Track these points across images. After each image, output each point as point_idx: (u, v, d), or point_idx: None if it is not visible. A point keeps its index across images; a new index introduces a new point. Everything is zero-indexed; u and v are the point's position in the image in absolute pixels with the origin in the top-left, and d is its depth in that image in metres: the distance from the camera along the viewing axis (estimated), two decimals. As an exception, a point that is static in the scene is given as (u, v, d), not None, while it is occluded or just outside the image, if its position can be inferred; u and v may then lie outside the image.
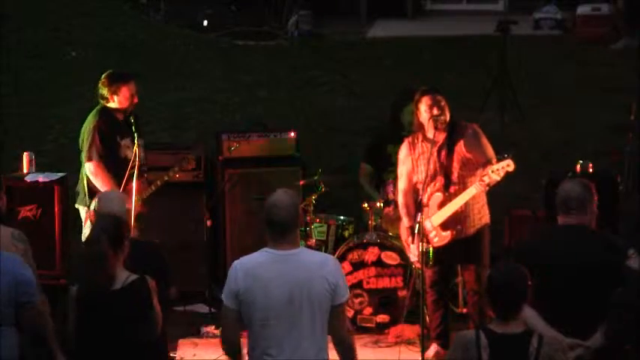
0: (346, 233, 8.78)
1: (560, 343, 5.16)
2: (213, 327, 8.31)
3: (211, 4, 20.26)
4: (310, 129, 10.05)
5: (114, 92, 8.02)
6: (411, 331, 8.12)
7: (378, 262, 8.35)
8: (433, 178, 7.57)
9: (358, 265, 8.34)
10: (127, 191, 7.71)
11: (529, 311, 5.35)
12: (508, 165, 7.29)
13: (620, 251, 5.69)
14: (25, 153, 8.70)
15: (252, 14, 19.19)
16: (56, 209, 8.27)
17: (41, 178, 8.38)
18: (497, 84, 12.65)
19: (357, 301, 8.33)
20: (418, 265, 7.81)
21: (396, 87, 10.29)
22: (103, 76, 8.11)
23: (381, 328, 8.31)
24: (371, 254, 8.35)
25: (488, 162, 7.44)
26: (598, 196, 5.94)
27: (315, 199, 8.69)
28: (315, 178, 8.78)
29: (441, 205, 7.59)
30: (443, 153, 7.59)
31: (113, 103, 8.05)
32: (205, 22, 19.58)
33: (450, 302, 8.14)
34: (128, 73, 8.30)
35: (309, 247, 8.39)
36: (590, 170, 8.31)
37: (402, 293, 8.28)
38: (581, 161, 8.39)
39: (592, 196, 5.86)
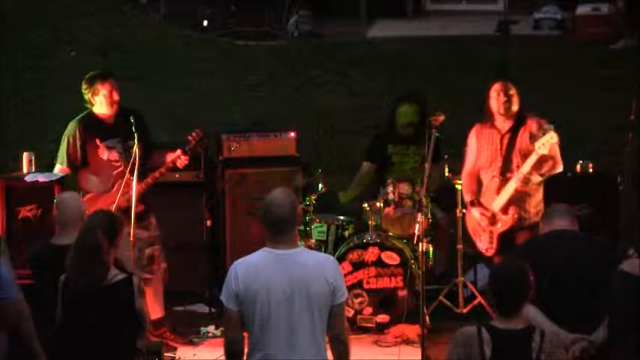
0: (346, 233, 8.76)
1: (560, 338, 5.15)
2: (213, 327, 8.30)
3: (211, 4, 20.29)
4: (310, 129, 10.03)
5: (93, 93, 7.98)
6: (411, 331, 8.11)
7: (378, 262, 8.34)
8: (492, 163, 7.84)
9: (358, 265, 8.33)
10: (122, 191, 7.69)
11: (532, 309, 5.34)
12: (551, 137, 7.56)
13: (614, 254, 5.71)
14: (25, 153, 8.67)
15: (252, 14, 19.22)
16: (56, 209, 8.25)
17: (41, 178, 8.36)
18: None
19: (357, 301, 8.32)
20: (487, 254, 8.02)
21: (396, 87, 10.30)
22: (83, 81, 8.06)
23: (381, 328, 8.30)
24: (371, 254, 8.34)
25: (551, 158, 7.69)
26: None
27: (315, 199, 8.69)
28: (315, 178, 8.78)
29: (498, 190, 7.84)
30: (505, 141, 7.86)
31: (97, 106, 7.98)
32: (205, 22, 19.62)
33: (449, 302, 8.16)
34: (103, 72, 8.11)
35: (309, 247, 8.39)
36: (590, 170, 8.31)
37: (402, 293, 8.27)
38: (581, 161, 8.39)
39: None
